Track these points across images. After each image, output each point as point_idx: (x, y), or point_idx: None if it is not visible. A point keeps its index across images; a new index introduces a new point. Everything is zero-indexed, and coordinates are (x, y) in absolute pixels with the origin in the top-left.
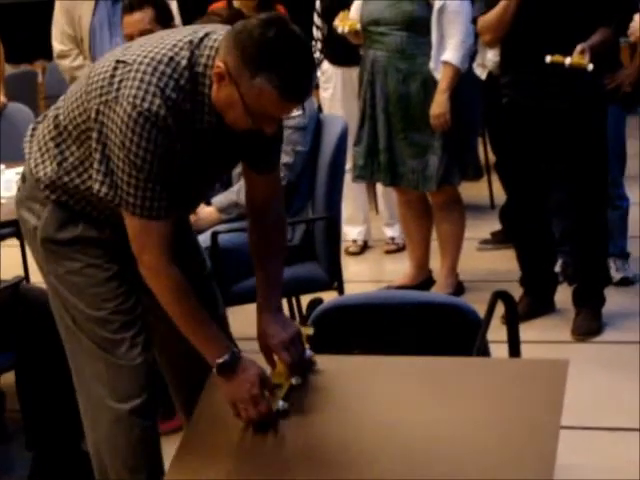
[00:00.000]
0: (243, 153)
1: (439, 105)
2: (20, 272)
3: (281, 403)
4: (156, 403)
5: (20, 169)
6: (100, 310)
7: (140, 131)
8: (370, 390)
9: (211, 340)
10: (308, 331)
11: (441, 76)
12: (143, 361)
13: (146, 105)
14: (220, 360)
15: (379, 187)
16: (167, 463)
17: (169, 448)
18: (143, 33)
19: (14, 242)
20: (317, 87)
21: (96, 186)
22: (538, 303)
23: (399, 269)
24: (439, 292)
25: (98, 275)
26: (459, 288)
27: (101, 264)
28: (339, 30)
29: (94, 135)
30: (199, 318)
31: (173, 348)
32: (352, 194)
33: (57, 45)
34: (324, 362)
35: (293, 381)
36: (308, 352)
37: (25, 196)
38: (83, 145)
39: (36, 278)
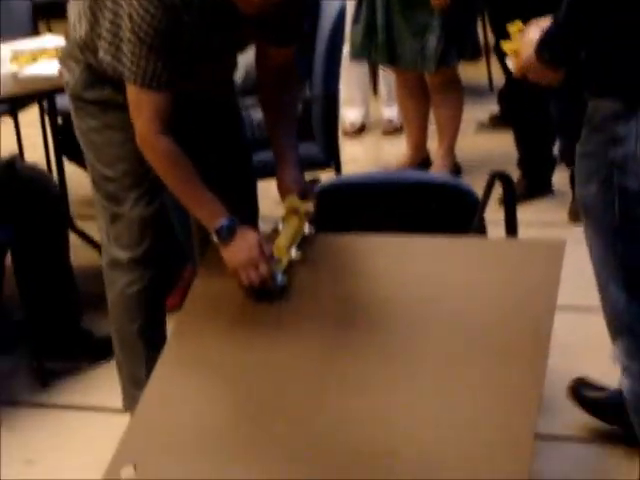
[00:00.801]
0: (261, 30)
1: None
2: (15, 150)
3: (280, 277)
4: (159, 256)
5: (14, 45)
6: (113, 169)
7: (147, 5)
8: (368, 268)
9: (207, 206)
10: (307, 207)
11: None
12: (144, 216)
13: None
14: (218, 225)
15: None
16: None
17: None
18: None
19: (8, 120)
20: None
21: (101, 53)
22: (535, 185)
23: (397, 151)
24: None
25: (116, 136)
26: (456, 169)
27: (121, 126)
28: None
29: (109, 4)
30: (193, 186)
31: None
32: (352, 76)
33: None
34: (323, 240)
35: (293, 255)
36: (307, 228)
37: (65, 53)
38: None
39: (30, 155)
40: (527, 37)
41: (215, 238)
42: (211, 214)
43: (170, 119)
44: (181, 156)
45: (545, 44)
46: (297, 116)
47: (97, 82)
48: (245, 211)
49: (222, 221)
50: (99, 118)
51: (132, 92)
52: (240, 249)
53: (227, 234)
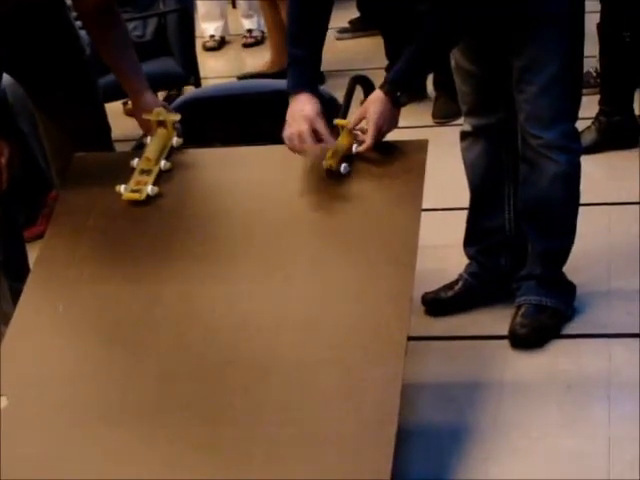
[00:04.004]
0: None
1: None
2: None
3: (150, 188)
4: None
5: None
6: None
7: None
8: (234, 179)
9: None
10: (174, 117)
11: None
12: None
13: None
14: None
15: None
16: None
17: (33, 254)
18: None
19: None
20: None
21: None
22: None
23: (258, 63)
24: None
25: None
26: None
27: None
28: None
29: None
30: None
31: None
32: None
33: None
34: (187, 154)
35: (162, 166)
36: (175, 139)
37: None
38: None
39: None
40: (367, 110)
41: None
42: None
43: None
44: None
45: (398, 88)
46: (132, 45)
47: None
48: (91, 123)
49: None
50: None
51: None
52: None
53: None
